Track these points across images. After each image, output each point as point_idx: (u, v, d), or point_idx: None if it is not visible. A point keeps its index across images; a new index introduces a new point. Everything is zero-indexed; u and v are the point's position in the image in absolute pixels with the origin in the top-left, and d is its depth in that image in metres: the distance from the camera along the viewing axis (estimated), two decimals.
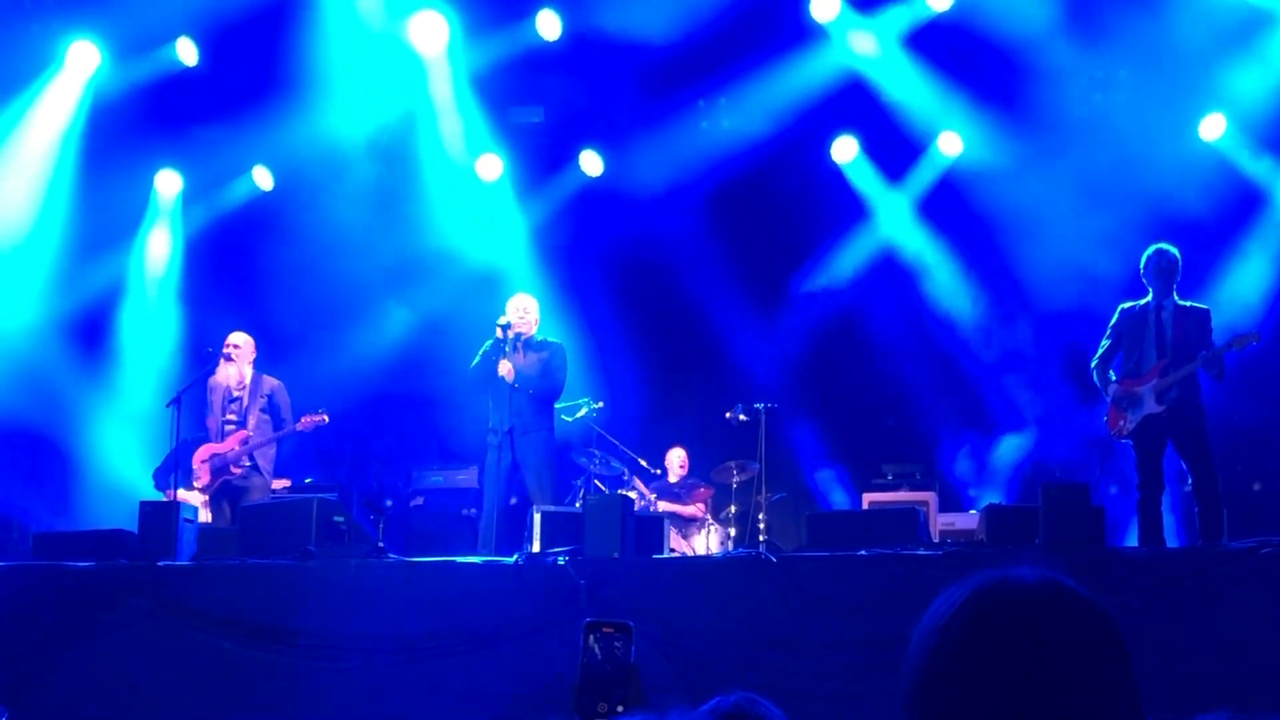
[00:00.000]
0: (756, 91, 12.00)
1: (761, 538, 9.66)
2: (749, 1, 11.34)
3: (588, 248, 12.74)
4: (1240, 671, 6.77)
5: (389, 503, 11.69)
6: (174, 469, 9.83)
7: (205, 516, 10.03)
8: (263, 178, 12.75)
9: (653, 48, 11.44)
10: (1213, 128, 11.47)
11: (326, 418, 10.10)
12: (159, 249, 12.90)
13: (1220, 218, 11.33)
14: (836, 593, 7.47)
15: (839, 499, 12.07)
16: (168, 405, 9.84)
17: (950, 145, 12.19)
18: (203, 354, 10.48)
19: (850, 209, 12.61)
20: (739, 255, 12.61)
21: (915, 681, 1.42)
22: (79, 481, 11.86)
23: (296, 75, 11.72)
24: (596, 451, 11.12)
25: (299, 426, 10.10)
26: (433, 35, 11.88)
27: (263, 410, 10.14)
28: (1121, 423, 8.39)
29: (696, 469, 11.66)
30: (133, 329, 12.69)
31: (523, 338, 9.64)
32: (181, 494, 10.09)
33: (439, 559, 8.46)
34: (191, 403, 10.13)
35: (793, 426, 12.02)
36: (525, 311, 9.75)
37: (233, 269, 12.82)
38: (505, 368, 9.39)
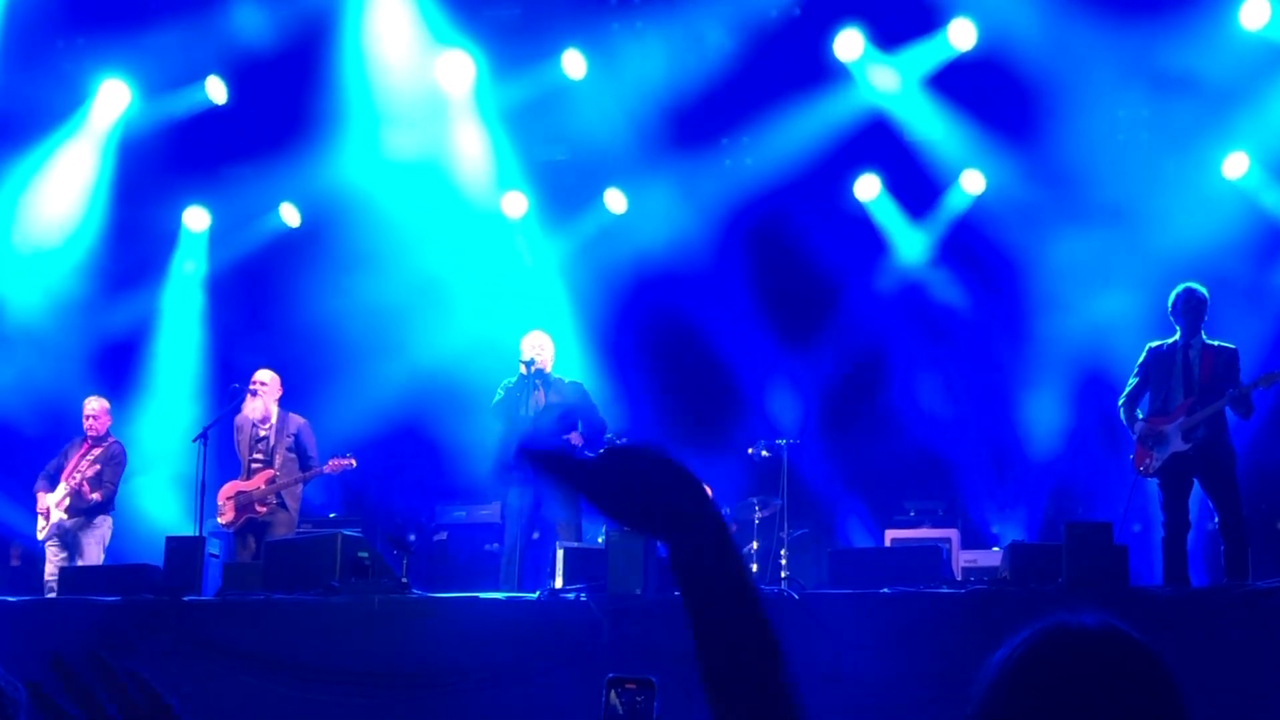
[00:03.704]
0: (779, 130, 12.05)
1: (783, 574, 9.63)
2: (772, 40, 11.42)
3: (611, 284, 12.76)
4: (1265, 713, 6.71)
5: (412, 538, 11.71)
6: (50, 482, 10.34)
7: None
8: (290, 215, 12.85)
9: (676, 86, 11.52)
10: (1236, 166, 11.47)
11: (354, 462, 10.11)
12: (186, 285, 13.03)
13: (1245, 255, 11.30)
14: (859, 630, 7.44)
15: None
16: (194, 441, 9.93)
17: (973, 183, 12.21)
18: (229, 390, 10.56)
19: (873, 246, 12.63)
20: (761, 291, 12.62)
21: None
22: None
23: (324, 113, 11.85)
24: None
25: (326, 469, 10.14)
26: (459, 74, 11.99)
27: (289, 449, 10.21)
28: (1148, 461, 8.38)
29: (718, 505, 11.62)
30: (160, 365, 12.79)
31: (541, 374, 9.68)
32: (41, 499, 10.40)
33: (462, 594, 8.47)
34: (217, 439, 10.20)
35: (814, 462, 11.99)
36: (540, 349, 9.79)
37: (259, 306, 12.90)
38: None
